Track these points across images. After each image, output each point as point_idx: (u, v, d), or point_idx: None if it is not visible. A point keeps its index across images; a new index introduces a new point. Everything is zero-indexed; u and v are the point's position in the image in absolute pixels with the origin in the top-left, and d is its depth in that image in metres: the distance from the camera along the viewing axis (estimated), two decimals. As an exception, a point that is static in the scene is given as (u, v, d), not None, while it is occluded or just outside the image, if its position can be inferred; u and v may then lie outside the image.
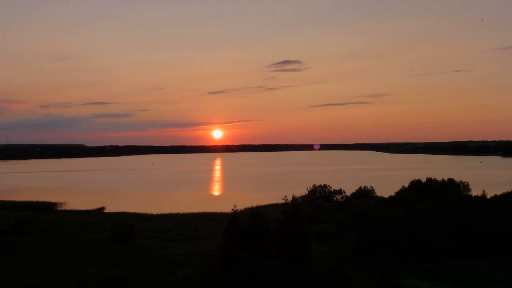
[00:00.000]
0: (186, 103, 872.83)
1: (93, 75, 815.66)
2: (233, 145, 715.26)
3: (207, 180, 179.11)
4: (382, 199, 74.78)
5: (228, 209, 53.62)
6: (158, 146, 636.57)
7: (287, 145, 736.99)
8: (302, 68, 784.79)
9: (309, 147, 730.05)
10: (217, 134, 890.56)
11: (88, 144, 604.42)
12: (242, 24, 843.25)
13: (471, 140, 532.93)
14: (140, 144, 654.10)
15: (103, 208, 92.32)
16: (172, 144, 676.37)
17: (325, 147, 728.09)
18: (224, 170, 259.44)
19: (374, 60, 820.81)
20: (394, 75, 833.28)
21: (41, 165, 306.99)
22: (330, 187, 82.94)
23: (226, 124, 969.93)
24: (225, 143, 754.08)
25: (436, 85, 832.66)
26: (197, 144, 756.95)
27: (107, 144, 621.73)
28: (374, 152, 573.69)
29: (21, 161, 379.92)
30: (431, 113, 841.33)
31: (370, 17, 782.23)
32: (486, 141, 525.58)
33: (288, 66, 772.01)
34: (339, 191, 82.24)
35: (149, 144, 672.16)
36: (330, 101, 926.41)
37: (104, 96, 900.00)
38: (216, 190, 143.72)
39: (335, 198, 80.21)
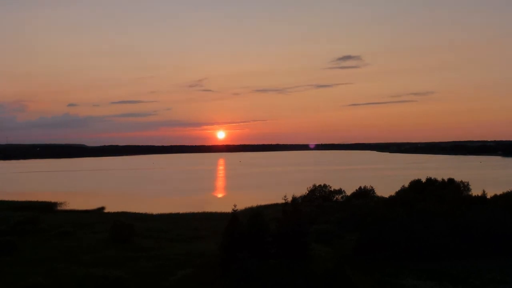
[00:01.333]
0: (217, 102, 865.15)
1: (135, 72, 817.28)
2: (234, 145, 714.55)
3: (207, 182, 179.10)
4: (382, 199, 74.75)
5: (228, 209, 53.63)
6: (158, 146, 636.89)
7: (288, 145, 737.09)
8: (360, 64, 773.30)
9: (311, 147, 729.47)
10: (227, 134, 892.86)
11: (88, 144, 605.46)
12: (305, 21, 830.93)
13: (471, 140, 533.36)
14: (144, 144, 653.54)
15: (103, 208, 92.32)
16: (183, 144, 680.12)
17: (325, 147, 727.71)
18: (223, 170, 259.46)
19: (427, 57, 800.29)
20: (443, 72, 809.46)
21: (41, 165, 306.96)
22: (330, 187, 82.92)
23: (235, 124, 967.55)
24: (234, 143, 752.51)
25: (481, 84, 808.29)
26: (205, 144, 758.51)
27: (113, 144, 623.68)
28: (374, 152, 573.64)
29: (21, 161, 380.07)
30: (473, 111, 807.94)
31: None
32: (486, 141, 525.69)
33: (346, 63, 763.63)
34: (339, 191, 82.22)
35: (160, 144, 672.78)
36: (374, 100, 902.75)
37: (139, 95, 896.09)
38: (217, 191, 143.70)
39: (335, 198, 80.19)
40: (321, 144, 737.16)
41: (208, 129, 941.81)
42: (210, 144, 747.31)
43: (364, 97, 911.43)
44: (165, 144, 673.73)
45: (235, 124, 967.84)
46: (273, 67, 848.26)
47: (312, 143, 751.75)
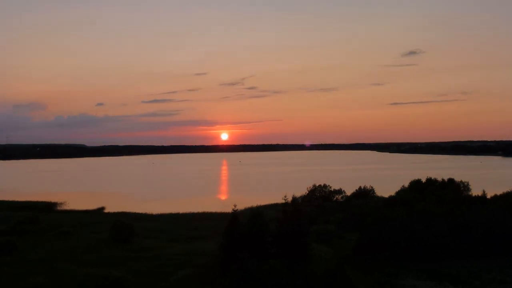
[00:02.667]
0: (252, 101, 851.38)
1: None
2: (236, 145, 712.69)
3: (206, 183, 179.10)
4: (382, 199, 74.73)
5: (228, 209, 53.64)
6: (158, 146, 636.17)
7: (288, 145, 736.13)
8: (420, 61, 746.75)
9: (313, 147, 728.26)
10: (232, 134, 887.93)
11: (89, 144, 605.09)
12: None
13: (471, 140, 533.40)
14: (144, 144, 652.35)
15: (103, 208, 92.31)
16: (186, 144, 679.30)
17: (325, 147, 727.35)
18: (223, 171, 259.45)
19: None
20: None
21: (41, 165, 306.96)
22: (330, 187, 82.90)
23: (245, 124, 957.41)
24: (238, 143, 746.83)
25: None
26: (216, 144, 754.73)
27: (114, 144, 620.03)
28: (374, 152, 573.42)
29: (21, 161, 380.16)
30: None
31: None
32: (486, 141, 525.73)
33: (407, 60, 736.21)
34: (339, 191, 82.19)
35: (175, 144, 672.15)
36: (418, 99, 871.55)
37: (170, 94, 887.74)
38: (217, 191, 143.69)
39: (335, 198, 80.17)
40: (322, 144, 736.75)
41: (227, 129, 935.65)
42: (222, 144, 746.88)
43: (410, 96, 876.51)
44: (177, 144, 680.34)
45: (258, 123, 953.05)
46: (328, 64, 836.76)
47: (313, 142, 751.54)
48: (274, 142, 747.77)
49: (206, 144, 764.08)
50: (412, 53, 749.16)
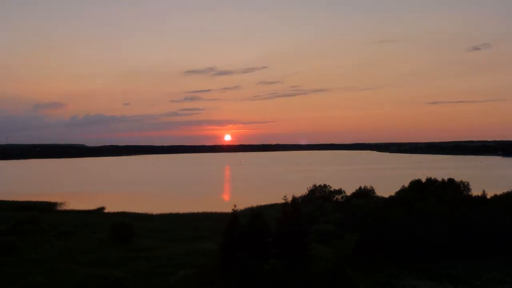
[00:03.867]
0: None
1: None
2: (237, 145, 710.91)
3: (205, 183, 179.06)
4: (382, 199, 74.69)
5: (228, 209, 53.67)
6: (158, 146, 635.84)
7: (288, 145, 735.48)
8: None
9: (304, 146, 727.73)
10: (241, 134, 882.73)
11: (88, 144, 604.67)
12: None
13: (471, 140, 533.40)
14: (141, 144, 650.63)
15: (103, 208, 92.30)
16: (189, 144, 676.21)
17: (325, 147, 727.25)
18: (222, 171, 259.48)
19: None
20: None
21: (41, 165, 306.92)
22: (330, 187, 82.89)
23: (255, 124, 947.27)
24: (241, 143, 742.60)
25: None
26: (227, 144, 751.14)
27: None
28: (374, 152, 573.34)
29: (21, 161, 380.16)
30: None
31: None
32: (486, 141, 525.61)
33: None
34: (339, 191, 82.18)
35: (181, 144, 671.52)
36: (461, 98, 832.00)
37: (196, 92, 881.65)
38: (217, 191, 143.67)
39: (335, 198, 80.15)
40: (322, 144, 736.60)
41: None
42: (226, 144, 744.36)
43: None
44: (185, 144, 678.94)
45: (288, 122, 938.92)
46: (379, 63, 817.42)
47: (312, 142, 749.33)
48: (289, 142, 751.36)
49: (209, 144, 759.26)
50: (476, 49, 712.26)
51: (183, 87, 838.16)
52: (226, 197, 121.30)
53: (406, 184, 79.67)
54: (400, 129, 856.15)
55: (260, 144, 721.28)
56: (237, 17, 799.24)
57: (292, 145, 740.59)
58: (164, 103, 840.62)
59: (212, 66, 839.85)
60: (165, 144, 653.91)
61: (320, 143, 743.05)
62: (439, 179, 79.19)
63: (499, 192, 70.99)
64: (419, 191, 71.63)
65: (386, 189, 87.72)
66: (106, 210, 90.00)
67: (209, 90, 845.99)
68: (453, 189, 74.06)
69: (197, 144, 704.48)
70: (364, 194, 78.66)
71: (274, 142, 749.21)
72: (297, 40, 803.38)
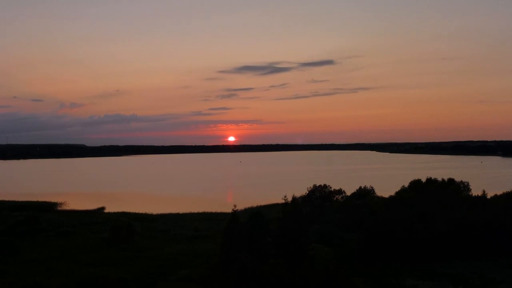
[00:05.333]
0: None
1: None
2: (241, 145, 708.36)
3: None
4: (382, 199, 74.64)
5: (228, 209, 53.68)
6: (158, 146, 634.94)
7: (287, 145, 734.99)
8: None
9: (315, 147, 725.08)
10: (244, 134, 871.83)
11: (88, 144, 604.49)
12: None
13: (471, 140, 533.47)
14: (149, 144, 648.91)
15: (103, 208, 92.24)
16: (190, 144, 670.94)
17: (325, 147, 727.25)
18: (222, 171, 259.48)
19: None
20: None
21: (41, 165, 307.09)
22: (330, 187, 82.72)
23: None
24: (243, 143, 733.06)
25: None
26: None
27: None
28: (374, 152, 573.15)
29: (21, 161, 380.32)
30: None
31: None
32: (486, 141, 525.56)
33: None
34: (339, 191, 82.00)
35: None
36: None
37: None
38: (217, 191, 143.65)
39: (335, 198, 80.00)
40: (322, 144, 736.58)
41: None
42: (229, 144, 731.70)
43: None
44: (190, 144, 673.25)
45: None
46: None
47: (311, 143, 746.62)
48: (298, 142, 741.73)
49: (210, 144, 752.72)
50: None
51: (226, 84, 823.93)
52: (226, 197, 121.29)
53: (406, 184, 79.58)
54: (411, 130, 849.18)
55: (260, 144, 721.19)
56: (290, 15, 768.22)
57: (293, 145, 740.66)
58: (194, 102, 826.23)
59: (266, 63, 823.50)
60: (166, 144, 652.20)
61: (319, 144, 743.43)
62: (439, 179, 79.10)
63: (499, 192, 71.01)
64: (419, 191, 71.56)
65: (386, 189, 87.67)
66: (106, 210, 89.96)
67: (250, 89, 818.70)
68: (453, 189, 74.00)
69: (201, 144, 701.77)
70: (364, 194, 78.58)
71: (281, 142, 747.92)
72: (348, 40, 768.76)
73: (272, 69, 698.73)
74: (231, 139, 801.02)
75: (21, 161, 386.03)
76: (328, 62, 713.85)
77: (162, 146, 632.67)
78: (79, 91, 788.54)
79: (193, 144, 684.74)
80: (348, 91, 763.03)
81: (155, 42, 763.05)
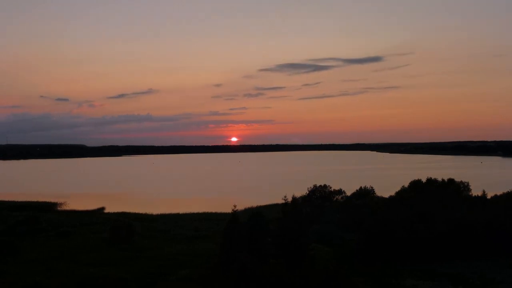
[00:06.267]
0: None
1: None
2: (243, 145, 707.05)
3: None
4: (382, 199, 74.65)
5: (228, 209, 53.59)
6: (158, 146, 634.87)
7: (287, 145, 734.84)
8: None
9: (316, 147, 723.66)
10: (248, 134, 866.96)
11: (89, 144, 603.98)
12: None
13: (471, 140, 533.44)
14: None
15: (103, 208, 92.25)
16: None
17: (325, 147, 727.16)
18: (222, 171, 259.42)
19: None
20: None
21: (40, 165, 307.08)
22: (330, 187, 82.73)
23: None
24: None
25: None
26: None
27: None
28: (374, 152, 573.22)
29: (21, 161, 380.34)
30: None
31: None
32: (486, 141, 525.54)
33: None
34: (339, 191, 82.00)
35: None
36: None
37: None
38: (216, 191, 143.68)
39: (335, 198, 79.99)
40: (322, 144, 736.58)
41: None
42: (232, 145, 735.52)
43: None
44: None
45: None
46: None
47: (311, 143, 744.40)
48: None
49: (211, 144, 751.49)
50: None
51: (258, 83, 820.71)
52: (226, 197, 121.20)
53: (406, 184, 79.59)
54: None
55: (260, 144, 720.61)
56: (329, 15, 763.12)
57: (292, 145, 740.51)
58: (217, 101, 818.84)
59: (311, 60, 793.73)
60: (165, 144, 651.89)
61: (319, 144, 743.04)
62: (439, 179, 79.10)
63: (499, 192, 71.00)
64: (419, 191, 71.56)
65: (386, 189, 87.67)
66: (106, 210, 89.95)
67: (281, 88, 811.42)
68: (453, 189, 73.99)
69: (202, 145, 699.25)
70: (364, 194, 78.58)
71: (281, 143, 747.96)
72: (387, 39, 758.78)
73: (314, 67, 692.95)
74: (234, 139, 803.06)
75: (21, 161, 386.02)
76: (376, 59, 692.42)
77: (162, 146, 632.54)
78: (108, 90, 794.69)
79: (194, 144, 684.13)
80: (377, 90, 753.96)
81: (191, 41, 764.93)
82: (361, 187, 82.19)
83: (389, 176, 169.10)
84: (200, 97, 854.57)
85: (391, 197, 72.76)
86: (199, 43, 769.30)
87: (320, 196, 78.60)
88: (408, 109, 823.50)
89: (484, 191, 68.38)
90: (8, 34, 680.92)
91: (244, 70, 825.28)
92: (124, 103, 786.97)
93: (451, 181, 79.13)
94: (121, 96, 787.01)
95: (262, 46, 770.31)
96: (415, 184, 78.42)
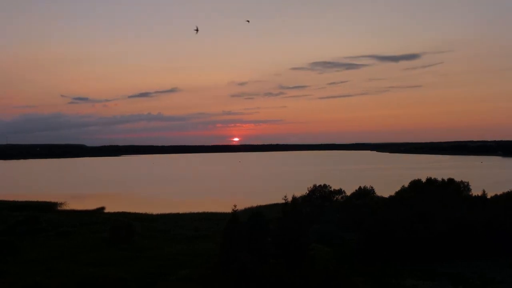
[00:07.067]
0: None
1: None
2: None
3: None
4: (382, 199, 74.65)
5: (228, 209, 53.63)
6: (158, 146, 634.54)
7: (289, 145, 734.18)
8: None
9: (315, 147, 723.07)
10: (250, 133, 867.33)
11: (88, 144, 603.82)
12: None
13: (471, 140, 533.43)
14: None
15: (103, 208, 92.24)
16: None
17: (325, 147, 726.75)
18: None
19: None
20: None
21: (40, 165, 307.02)
22: (330, 187, 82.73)
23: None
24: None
25: None
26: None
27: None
28: (374, 152, 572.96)
29: (21, 161, 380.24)
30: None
31: None
32: (486, 141, 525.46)
33: None
34: (339, 191, 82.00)
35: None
36: None
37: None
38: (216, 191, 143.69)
39: (335, 198, 80.00)
40: (322, 144, 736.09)
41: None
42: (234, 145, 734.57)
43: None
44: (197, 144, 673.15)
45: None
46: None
47: (311, 143, 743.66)
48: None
49: (212, 144, 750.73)
50: None
51: (283, 81, 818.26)
52: (226, 197, 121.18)
53: (406, 184, 79.58)
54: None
55: (260, 144, 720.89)
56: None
57: (292, 145, 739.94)
58: (236, 100, 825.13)
59: (346, 58, 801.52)
60: (166, 144, 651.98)
61: (319, 144, 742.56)
62: (439, 179, 79.10)
63: (499, 192, 70.98)
64: (419, 191, 71.54)
65: (386, 189, 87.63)
66: (106, 210, 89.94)
67: (304, 86, 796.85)
68: (453, 189, 73.98)
69: (202, 145, 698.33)
70: (364, 194, 78.57)
71: (281, 143, 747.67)
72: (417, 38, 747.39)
73: (347, 65, 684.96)
74: (236, 139, 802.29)
75: (21, 161, 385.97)
76: (411, 57, 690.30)
77: (162, 146, 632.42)
78: (129, 88, 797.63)
79: (193, 145, 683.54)
80: (399, 89, 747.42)
81: (221, 40, 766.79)
82: (361, 187, 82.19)
83: (389, 176, 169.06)
84: (219, 96, 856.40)
85: (391, 197, 72.73)
86: (230, 42, 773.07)
87: (320, 196, 78.60)
88: (418, 109, 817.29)
89: (484, 191, 68.35)
90: (36, 33, 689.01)
91: (275, 68, 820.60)
92: (143, 102, 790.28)
93: (451, 181, 79.12)
94: (143, 95, 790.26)
95: (295, 45, 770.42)
96: (415, 184, 78.39)
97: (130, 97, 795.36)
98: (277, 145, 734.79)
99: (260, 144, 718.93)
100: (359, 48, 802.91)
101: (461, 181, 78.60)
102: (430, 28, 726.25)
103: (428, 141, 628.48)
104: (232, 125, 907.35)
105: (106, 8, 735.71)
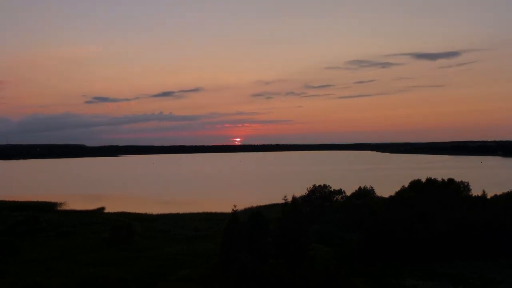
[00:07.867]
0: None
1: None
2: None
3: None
4: (382, 199, 74.64)
5: (228, 209, 53.62)
6: (158, 146, 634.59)
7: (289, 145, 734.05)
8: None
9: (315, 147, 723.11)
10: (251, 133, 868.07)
11: (88, 144, 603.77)
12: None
13: (471, 140, 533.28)
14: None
15: (103, 208, 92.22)
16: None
17: (325, 147, 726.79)
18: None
19: None
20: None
21: (40, 165, 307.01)
22: (330, 187, 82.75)
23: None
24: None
25: None
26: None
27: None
28: (374, 152, 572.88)
29: (21, 161, 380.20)
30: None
31: None
32: (486, 141, 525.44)
33: None
34: (339, 191, 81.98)
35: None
36: None
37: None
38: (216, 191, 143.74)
39: (335, 198, 79.99)
40: (322, 144, 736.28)
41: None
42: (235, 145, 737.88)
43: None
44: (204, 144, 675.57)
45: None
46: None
47: (311, 143, 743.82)
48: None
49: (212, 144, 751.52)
50: None
51: (309, 80, 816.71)
52: (226, 197, 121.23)
53: (406, 184, 79.55)
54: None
55: (261, 144, 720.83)
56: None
57: (292, 145, 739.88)
58: (254, 100, 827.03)
59: (374, 57, 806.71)
60: (166, 144, 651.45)
61: (319, 144, 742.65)
62: (439, 179, 79.07)
63: (499, 192, 70.97)
64: (419, 191, 71.52)
65: (386, 189, 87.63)
66: (106, 210, 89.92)
67: (329, 86, 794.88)
68: (453, 189, 73.96)
69: (202, 145, 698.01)
70: (364, 194, 78.55)
71: (281, 143, 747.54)
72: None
73: (382, 64, 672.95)
74: (238, 139, 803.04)
75: (21, 161, 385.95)
76: (451, 54, 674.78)
77: (162, 146, 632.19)
78: (152, 88, 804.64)
79: (194, 145, 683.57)
80: (422, 88, 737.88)
81: (251, 39, 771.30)
82: (361, 187, 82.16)
83: (389, 176, 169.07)
84: (240, 95, 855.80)
85: (391, 197, 72.72)
86: (260, 41, 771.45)
87: (320, 196, 78.59)
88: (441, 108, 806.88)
89: (484, 191, 68.33)
90: (61, 33, 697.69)
91: (305, 67, 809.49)
92: (164, 102, 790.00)
93: (451, 181, 79.09)
94: (167, 94, 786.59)
95: (330, 44, 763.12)
96: (415, 184, 78.36)
97: (151, 96, 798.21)
98: (276, 145, 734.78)
99: (260, 144, 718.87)
100: (396, 46, 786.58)
101: (461, 181, 78.55)
102: (475, 24, 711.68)
103: (428, 141, 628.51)
104: (240, 125, 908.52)
105: (128, 9, 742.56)
